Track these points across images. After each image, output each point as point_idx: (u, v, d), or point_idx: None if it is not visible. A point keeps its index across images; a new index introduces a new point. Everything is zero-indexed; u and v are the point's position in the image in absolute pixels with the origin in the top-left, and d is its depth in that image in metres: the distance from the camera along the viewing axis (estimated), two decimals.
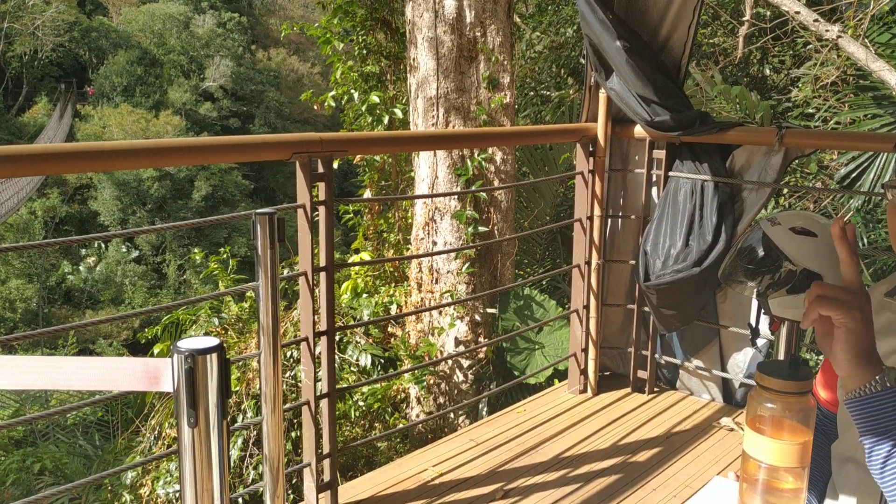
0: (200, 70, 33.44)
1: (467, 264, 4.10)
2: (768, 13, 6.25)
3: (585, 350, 3.31)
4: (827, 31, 4.57)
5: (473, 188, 4.01)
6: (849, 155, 4.74)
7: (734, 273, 2.04)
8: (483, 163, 4.03)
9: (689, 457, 2.78)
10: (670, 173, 3.06)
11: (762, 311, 2.00)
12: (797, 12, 4.74)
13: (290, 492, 3.50)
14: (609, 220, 3.31)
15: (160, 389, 0.97)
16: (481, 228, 4.08)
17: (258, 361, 1.94)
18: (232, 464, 3.62)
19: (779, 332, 2.01)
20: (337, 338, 4.06)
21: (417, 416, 4.25)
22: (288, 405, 2.53)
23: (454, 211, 4.07)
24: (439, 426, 4.21)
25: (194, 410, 0.94)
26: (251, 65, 34.55)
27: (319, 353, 2.39)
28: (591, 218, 3.21)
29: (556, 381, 3.88)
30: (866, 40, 4.75)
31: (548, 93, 7.08)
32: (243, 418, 3.74)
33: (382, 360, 4.11)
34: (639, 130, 3.11)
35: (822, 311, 1.05)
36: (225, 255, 4.73)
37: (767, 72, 6.49)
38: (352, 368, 4.04)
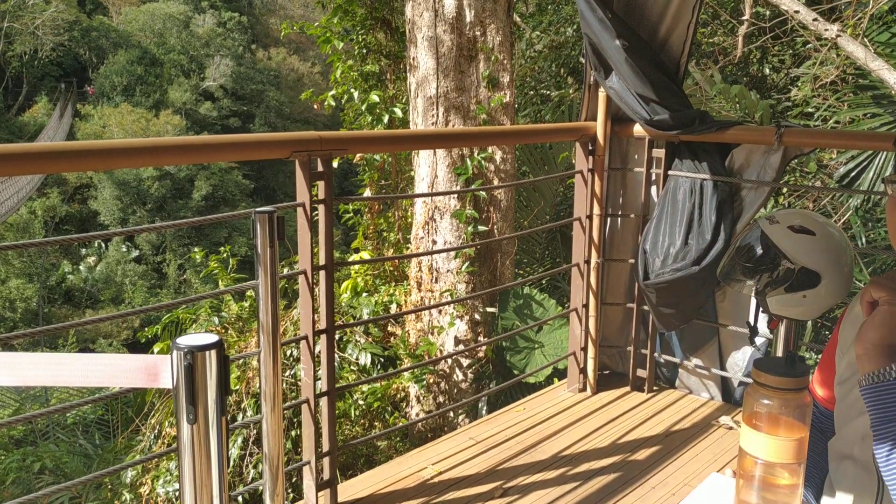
0: (200, 69, 33.44)
1: (467, 263, 4.10)
2: (768, 12, 6.26)
3: (585, 349, 3.31)
4: (826, 30, 4.58)
5: (473, 187, 4.01)
6: (848, 154, 4.75)
7: (733, 271, 2.04)
8: (483, 162, 4.04)
9: (688, 455, 2.79)
10: (669, 172, 3.06)
11: (761, 309, 2.01)
12: (796, 11, 4.74)
13: (289, 490, 3.50)
14: (608, 219, 3.31)
15: (159, 386, 0.97)
16: (481, 228, 4.08)
17: (258, 360, 1.95)
18: (232, 462, 3.63)
19: (777, 330, 2.01)
20: (337, 337, 4.06)
21: (417, 415, 4.25)
22: (287, 403, 2.53)
23: (454, 210, 4.08)
24: (439, 425, 4.22)
25: (193, 407, 0.94)
26: (251, 64, 34.55)
27: (319, 351, 2.39)
28: (590, 217, 3.21)
29: (555, 379, 3.89)
30: (865, 39, 4.76)
31: (548, 92, 7.09)
32: (243, 417, 3.74)
33: (382, 359, 4.12)
34: (638, 129, 3.12)
35: (874, 291, 1.10)
36: (225, 255, 4.74)
37: (767, 71, 6.49)
38: (351, 367, 4.05)
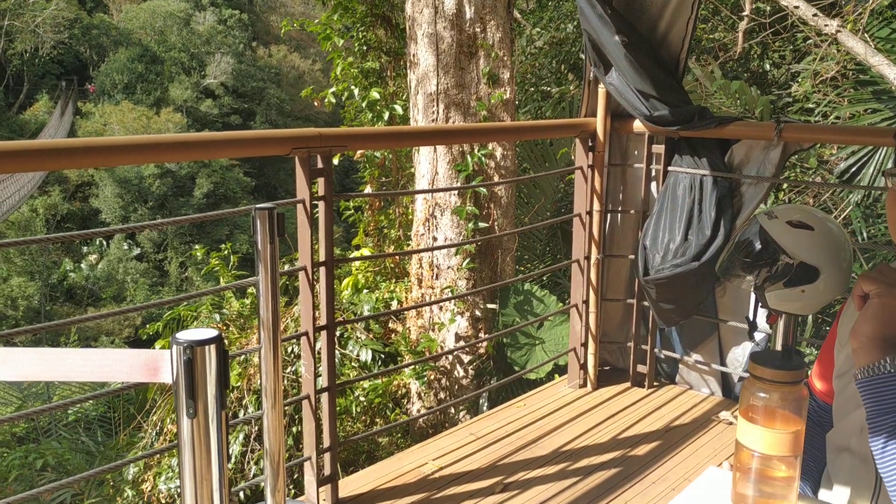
0: (201, 67, 33.44)
1: (467, 260, 4.11)
2: (768, 8, 6.25)
3: (585, 345, 3.32)
4: (826, 25, 4.58)
5: (474, 184, 4.01)
6: (848, 149, 4.75)
7: (732, 267, 2.04)
8: (483, 158, 4.04)
9: (688, 450, 2.80)
10: (669, 168, 3.06)
11: (760, 304, 2.01)
12: (796, 7, 4.74)
13: (290, 486, 3.51)
14: (608, 215, 3.31)
15: (159, 380, 0.98)
16: (481, 224, 4.09)
17: (259, 356, 1.95)
18: (233, 459, 3.64)
19: (776, 325, 2.02)
20: (337, 333, 4.07)
21: (418, 411, 4.26)
22: (288, 400, 2.54)
23: (454, 207, 4.08)
24: (440, 421, 4.23)
25: (193, 401, 0.95)
26: (252, 62, 34.55)
27: (320, 348, 2.40)
28: (590, 213, 3.22)
29: (556, 375, 3.89)
30: (866, 35, 4.75)
31: (548, 89, 7.09)
32: (244, 413, 3.75)
33: (383, 356, 4.13)
34: (638, 125, 3.12)
35: (864, 285, 1.12)
36: (226, 252, 4.74)
37: (767, 67, 6.49)
38: (352, 364, 4.06)
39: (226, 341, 4.00)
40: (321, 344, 2.39)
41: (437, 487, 2.54)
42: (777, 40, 6.33)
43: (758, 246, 1.93)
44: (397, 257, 4.76)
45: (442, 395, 4.23)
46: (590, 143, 3.18)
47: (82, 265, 26.46)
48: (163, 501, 3.77)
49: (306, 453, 2.41)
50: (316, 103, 5.38)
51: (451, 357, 4.17)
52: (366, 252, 4.86)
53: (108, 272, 26.27)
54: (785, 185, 5.24)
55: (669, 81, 2.95)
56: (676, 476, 2.60)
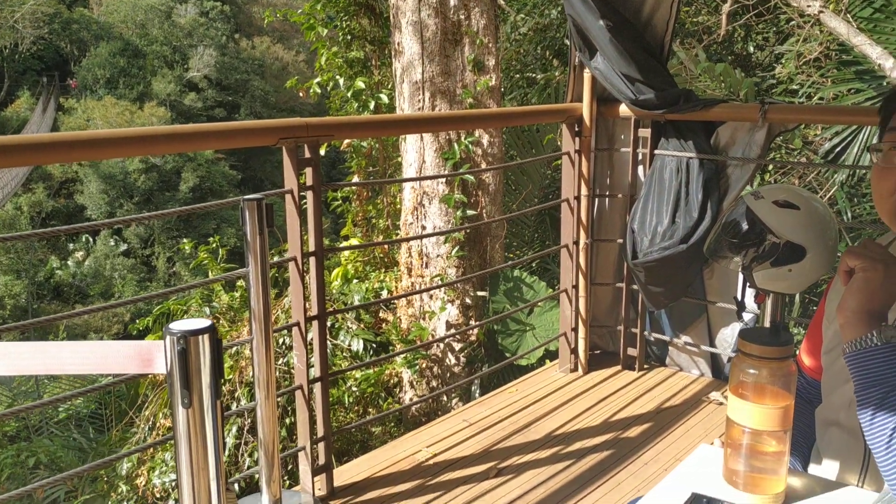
0: (184, 60, 33.18)
1: (456, 248, 4.11)
2: None
3: (575, 329, 3.34)
4: (809, 6, 4.59)
5: (461, 171, 4.01)
6: (832, 129, 4.77)
7: (719, 248, 2.05)
8: (470, 146, 4.04)
9: (679, 431, 2.82)
10: (656, 151, 3.08)
11: (747, 284, 2.02)
12: None
13: (285, 476, 3.52)
14: (596, 200, 3.33)
15: (153, 371, 0.98)
16: (470, 212, 4.09)
17: (250, 348, 1.95)
18: (228, 451, 3.64)
19: (764, 304, 2.03)
20: (329, 324, 4.07)
21: (411, 399, 4.27)
22: (281, 390, 2.55)
23: (442, 195, 4.08)
24: (433, 409, 4.24)
25: (188, 391, 0.95)
26: (235, 54, 34.30)
27: (311, 338, 2.40)
28: (578, 198, 3.23)
29: (547, 361, 3.91)
30: (848, 15, 4.77)
31: (534, 75, 7.07)
32: (237, 406, 3.75)
33: (374, 346, 4.13)
34: (624, 109, 3.13)
35: (849, 260, 1.13)
36: (214, 245, 4.73)
37: (751, 49, 6.51)
38: (344, 354, 4.06)
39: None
40: (313, 334, 2.39)
41: (432, 474, 2.56)
42: (760, 22, 6.34)
43: (744, 226, 1.94)
44: (386, 247, 4.76)
45: (434, 383, 4.25)
46: (576, 129, 3.19)
47: (69, 262, 26.29)
48: (157, 496, 3.77)
49: (300, 443, 2.41)
50: (301, 94, 5.36)
51: (442, 345, 4.19)
52: (355, 242, 4.86)
53: (95, 269, 26.13)
54: (771, 166, 5.27)
55: (654, 65, 2.96)
56: (668, 457, 2.63)
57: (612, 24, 2.83)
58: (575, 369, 3.37)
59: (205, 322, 0.95)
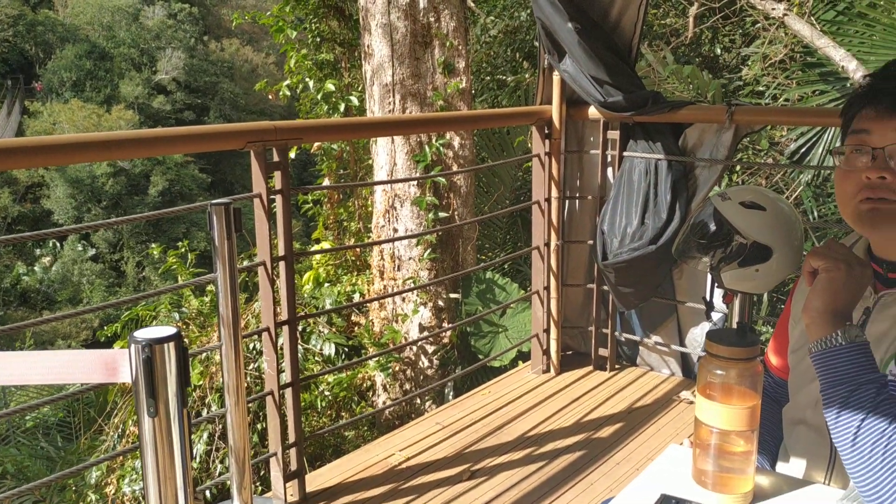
0: (152, 63, 32.78)
1: (429, 250, 4.11)
2: None
3: (547, 331, 3.35)
4: (773, 9, 4.66)
5: (433, 174, 4.01)
6: (798, 131, 4.85)
7: (688, 249, 2.08)
8: (441, 148, 4.04)
9: (650, 430, 2.84)
10: (625, 153, 3.10)
11: (716, 284, 2.05)
12: None
13: (257, 483, 3.49)
14: (566, 202, 3.34)
15: (118, 380, 0.97)
16: (441, 214, 4.09)
17: (220, 354, 1.93)
18: (198, 458, 3.60)
19: (732, 304, 2.06)
20: (300, 328, 4.05)
21: (384, 403, 4.26)
22: (252, 396, 2.52)
23: (414, 198, 4.08)
24: (406, 412, 4.23)
25: (154, 400, 0.94)
26: (204, 56, 33.97)
27: (282, 343, 2.39)
28: (548, 200, 3.24)
29: (519, 362, 3.92)
30: (811, 18, 4.85)
31: (504, 77, 7.10)
32: (208, 412, 3.71)
33: (347, 349, 4.11)
34: (593, 112, 3.15)
35: (813, 261, 1.15)
36: (183, 250, 4.67)
37: (718, 51, 6.59)
38: (316, 358, 4.04)
39: (186, 340, 3.95)
40: (283, 339, 2.37)
41: (405, 478, 2.55)
42: (727, 24, 6.43)
43: (712, 227, 1.97)
44: (358, 250, 4.74)
45: (407, 386, 4.24)
46: (546, 131, 3.20)
47: (36, 268, 25.83)
48: None
49: (272, 449, 2.39)
50: (270, 96, 5.32)
51: (415, 348, 4.18)
52: (326, 245, 4.84)
53: (62, 274, 25.70)
54: (738, 167, 5.34)
55: (623, 67, 2.98)
56: (640, 456, 2.65)
57: (580, 26, 2.85)
58: (547, 370, 3.38)
59: (170, 329, 0.94)
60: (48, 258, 26.35)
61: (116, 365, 0.95)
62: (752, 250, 1.89)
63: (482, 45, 7.23)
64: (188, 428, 0.98)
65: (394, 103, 4.06)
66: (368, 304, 4.36)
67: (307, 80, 5.14)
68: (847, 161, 1.21)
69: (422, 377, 4.22)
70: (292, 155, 4.41)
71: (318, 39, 5.32)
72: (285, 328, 2.35)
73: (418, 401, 4.23)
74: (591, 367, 3.40)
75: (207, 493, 3.51)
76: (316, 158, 5.34)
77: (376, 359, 4.06)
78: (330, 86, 4.88)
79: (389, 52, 4.01)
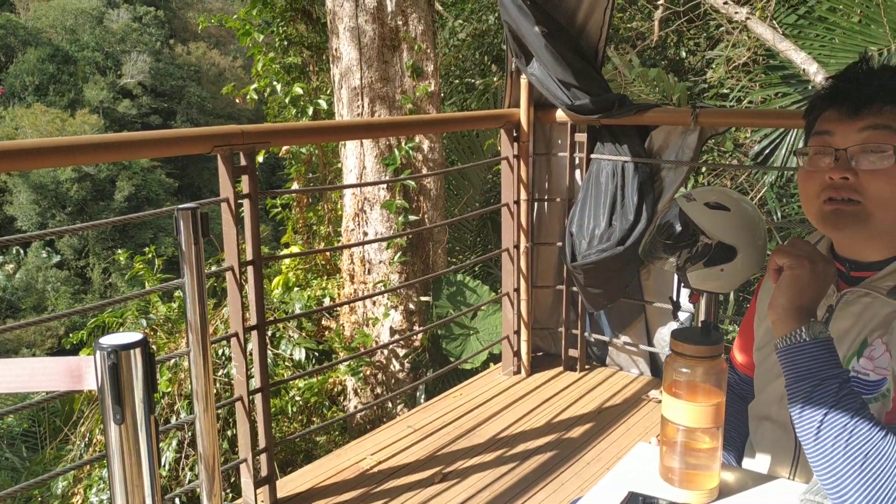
0: (117, 66, 32.35)
1: (399, 254, 4.11)
2: None
3: (518, 332, 3.37)
4: (736, 13, 4.73)
5: (402, 177, 4.01)
6: (761, 132, 4.92)
7: (654, 249, 2.10)
8: (410, 152, 4.04)
9: (620, 430, 2.87)
10: (592, 156, 3.13)
11: (682, 284, 2.07)
12: None
13: (227, 490, 3.46)
14: (535, 204, 3.36)
15: (84, 388, 0.95)
16: (411, 217, 4.09)
17: (188, 360, 1.92)
18: (167, 466, 3.56)
19: (698, 303, 2.09)
20: (269, 333, 4.02)
21: (355, 407, 4.25)
22: (221, 402, 2.50)
23: (384, 201, 4.08)
24: (377, 416, 4.22)
25: (120, 407, 0.93)
26: (170, 60, 33.60)
27: (251, 348, 2.37)
28: (517, 202, 3.26)
29: (490, 364, 3.93)
30: (774, 21, 4.93)
31: (472, 80, 7.12)
32: (177, 419, 3.67)
33: (317, 354, 4.10)
34: (560, 115, 3.17)
35: (778, 258, 1.17)
36: (150, 255, 4.62)
37: (683, 54, 6.67)
38: (286, 363, 4.01)
39: (154, 347, 3.90)
40: (252, 344, 2.36)
41: (377, 482, 2.55)
42: (692, 28, 6.51)
43: (678, 228, 1.99)
44: (328, 254, 4.72)
45: (378, 390, 4.23)
46: (514, 134, 3.22)
47: None
48: None
49: (242, 455, 2.38)
50: (238, 100, 5.29)
51: (386, 351, 4.17)
52: (295, 249, 4.81)
53: (26, 282, 25.22)
54: (703, 169, 5.41)
55: (589, 71, 3.01)
56: (610, 455, 2.67)
57: (547, 30, 2.87)
58: (518, 372, 3.40)
59: (136, 335, 0.93)
60: (11, 265, 25.84)
61: (81, 372, 0.94)
62: (717, 250, 1.92)
63: (451, 49, 7.25)
64: (156, 434, 0.97)
65: (362, 107, 4.06)
66: (339, 309, 4.35)
67: (275, 83, 5.12)
68: (811, 162, 1.24)
69: (393, 381, 4.21)
70: (260, 159, 4.38)
71: (286, 43, 5.30)
72: (254, 333, 2.34)
73: (390, 404, 4.22)
74: (561, 368, 3.42)
75: (177, 500, 3.48)
76: (284, 162, 5.31)
77: (347, 363, 4.04)
78: (298, 89, 4.86)
79: (357, 56, 4.01)
